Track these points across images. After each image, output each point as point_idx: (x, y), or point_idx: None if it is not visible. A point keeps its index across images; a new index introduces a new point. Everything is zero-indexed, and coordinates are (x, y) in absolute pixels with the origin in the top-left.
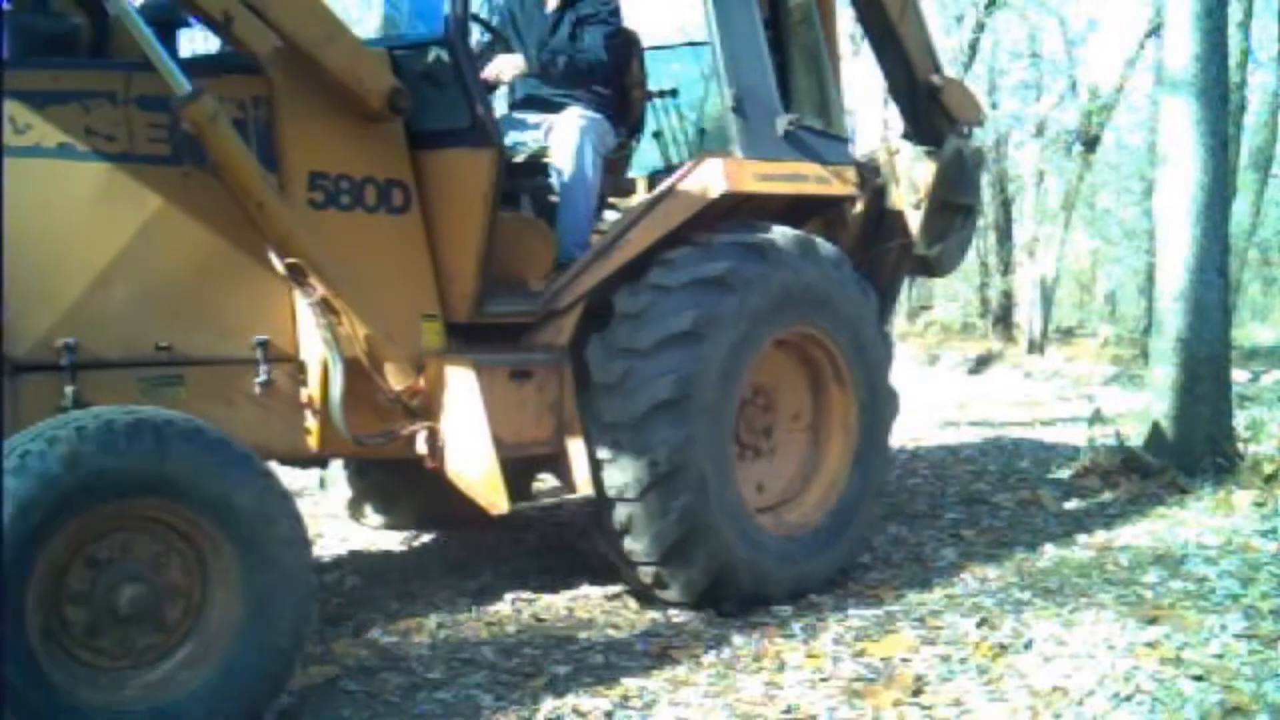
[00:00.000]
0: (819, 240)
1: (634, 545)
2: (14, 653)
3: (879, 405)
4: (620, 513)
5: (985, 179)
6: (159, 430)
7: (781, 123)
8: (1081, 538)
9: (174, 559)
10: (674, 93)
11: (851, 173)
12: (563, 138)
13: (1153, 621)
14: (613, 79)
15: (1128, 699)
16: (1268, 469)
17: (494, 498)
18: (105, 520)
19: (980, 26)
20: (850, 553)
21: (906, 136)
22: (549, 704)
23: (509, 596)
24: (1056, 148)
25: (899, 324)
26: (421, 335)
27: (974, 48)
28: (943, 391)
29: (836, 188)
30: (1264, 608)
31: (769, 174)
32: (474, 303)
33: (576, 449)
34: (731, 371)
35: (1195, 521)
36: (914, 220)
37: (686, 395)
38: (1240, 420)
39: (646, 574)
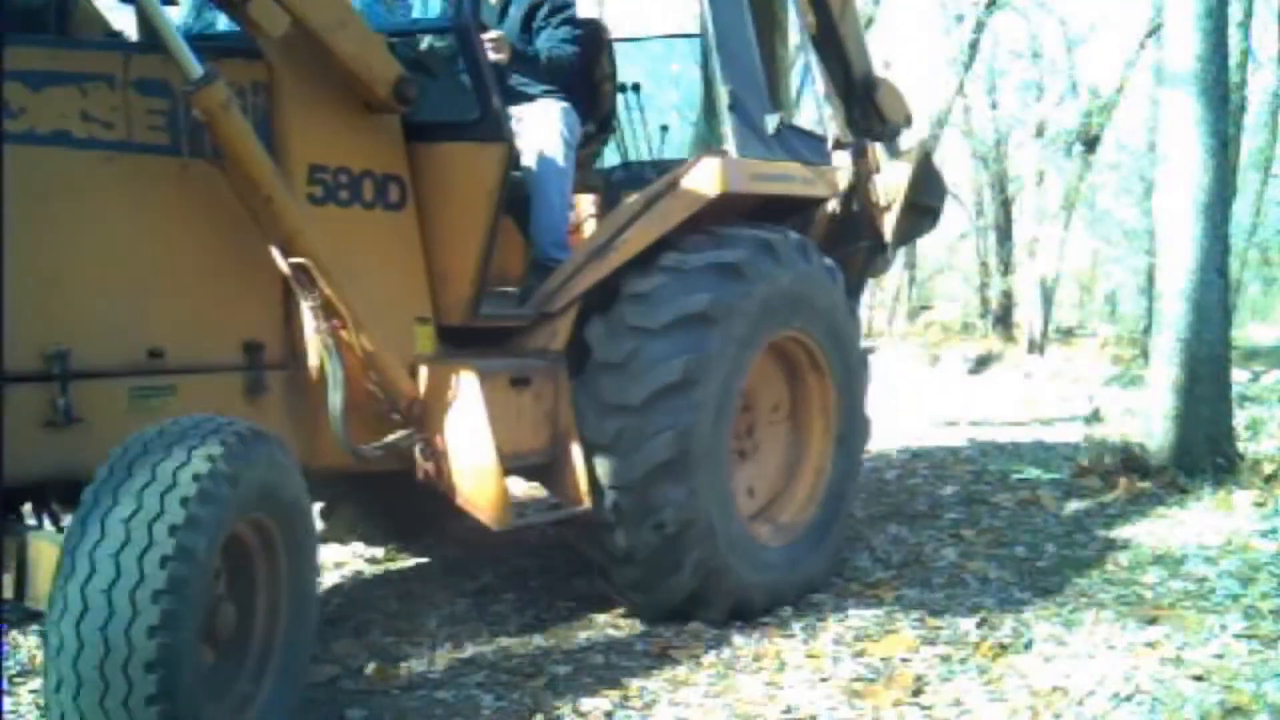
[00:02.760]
0: (809, 241)
1: (625, 541)
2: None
3: (854, 383)
4: (614, 503)
5: (986, 179)
6: (263, 438)
7: (772, 121)
8: (1081, 538)
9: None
10: (636, 88)
11: (831, 173)
12: (536, 131)
13: (1153, 621)
14: (582, 71)
15: (1128, 699)
16: (1268, 469)
17: (497, 512)
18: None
19: (980, 26)
20: (842, 536)
21: (837, 142)
22: (549, 704)
23: (509, 596)
24: (1056, 148)
25: (899, 324)
26: (414, 339)
27: (974, 48)
28: (943, 391)
29: (820, 188)
30: (1264, 608)
31: (763, 174)
32: (469, 306)
33: (572, 459)
34: (738, 367)
35: (1195, 521)
36: (885, 221)
37: (696, 381)
38: (1240, 420)
39: (633, 574)
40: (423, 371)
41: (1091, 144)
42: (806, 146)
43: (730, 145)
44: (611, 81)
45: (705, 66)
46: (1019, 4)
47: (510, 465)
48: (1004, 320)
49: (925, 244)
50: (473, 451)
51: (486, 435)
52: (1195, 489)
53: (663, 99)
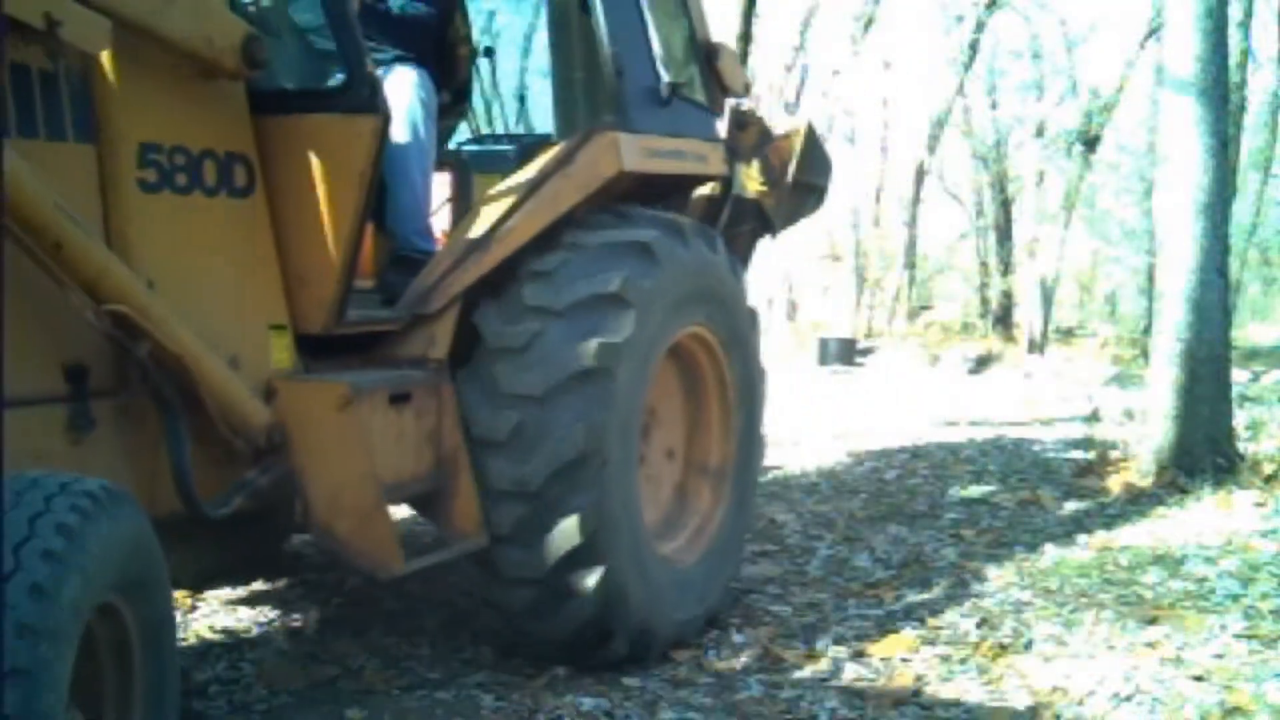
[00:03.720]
0: (715, 232)
1: (521, 556)
2: None
3: (754, 397)
4: (509, 512)
5: (986, 179)
6: (120, 501)
7: (663, 90)
8: (1081, 538)
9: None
10: (489, 53)
11: (720, 150)
12: (391, 100)
13: (1153, 621)
14: (435, 33)
15: (1128, 699)
16: (1268, 469)
17: (384, 557)
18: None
19: (980, 26)
20: (739, 565)
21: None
22: (549, 704)
23: None
24: (1056, 148)
25: (899, 324)
26: (269, 352)
27: (974, 48)
28: (943, 391)
29: (714, 166)
30: (1264, 608)
31: (658, 150)
32: (333, 310)
33: (462, 485)
34: (649, 361)
35: (1195, 521)
36: (769, 201)
37: (608, 370)
38: (1240, 420)
39: (527, 597)
40: (282, 393)
41: (1091, 144)
42: (696, 119)
43: (619, 117)
44: (468, 44)
45: (562, 28)
46: (1019, 4)
47: (391, 500)
48: (1004, 320)
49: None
50: (350, 487)
51: (366, 466)
52: (1195, 489)
53: (515, 65)
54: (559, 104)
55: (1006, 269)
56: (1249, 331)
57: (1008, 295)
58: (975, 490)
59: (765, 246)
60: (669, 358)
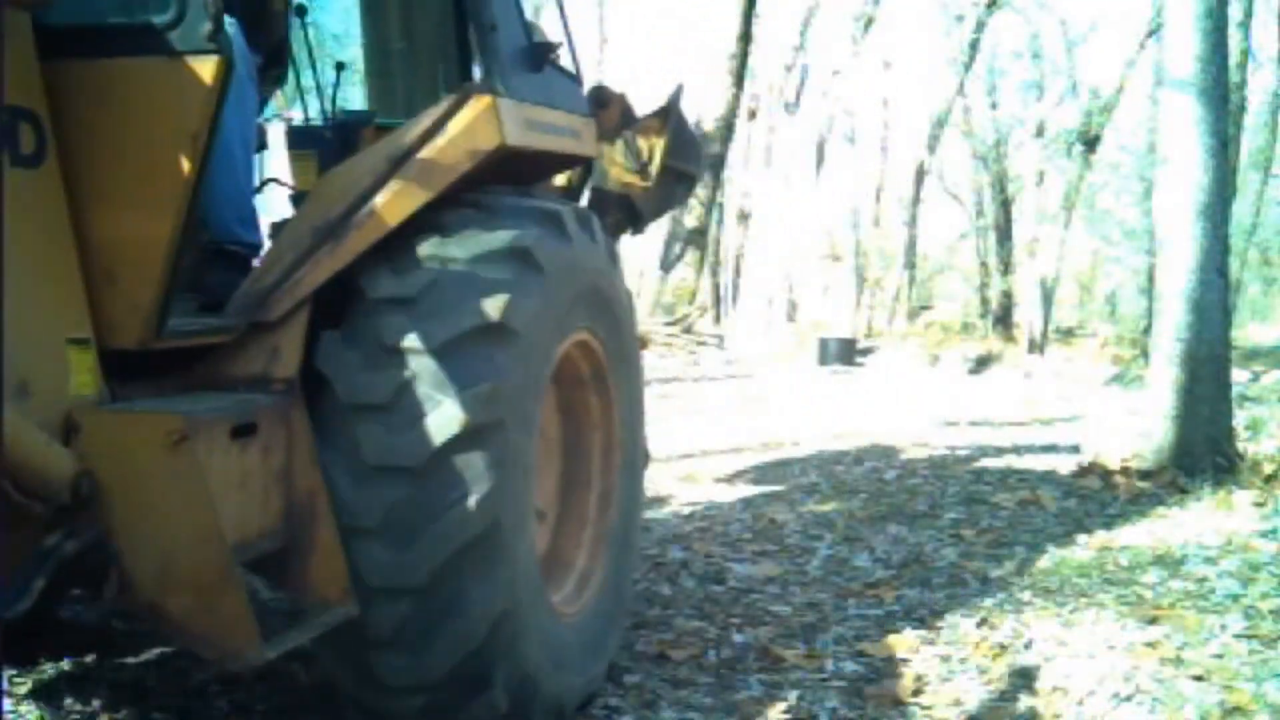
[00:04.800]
0: (594, 216)
1: (410, 661)
2: None
3: (636, 405)
4: (392, 613)
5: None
6: None
7: (536, 51)
8: (1081, 538)
9: None
10: (301, 11)
11: (592, 127)
12: None
13: (1153, 621)
14: None
15: (1128, 699)
16: (1268, 469)
17: (238, 640)
18: None
19: (980, 26)
20: (631, 603)
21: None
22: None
23: None
24: (1056, 148)
25: (899, 324)
26: (68, 375)
27: (974, 47)
28: (943, 391)
29: (586, 146)
30: (1264, 608)
31: (537, 123)
32: (152, 317)
33: (322, 537)
34: (539, 391)
35: (1195, 521)
36: (636, 190)
37: (500, 422)
38: (1240, 420)
39: (419, 703)
40: (89, 429)
41: (1091, 144)
42: (566, 89)
43: (493, 81)
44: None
45: None
46: (1019, 4)
47: (239, 558)
48: (1004, 320)
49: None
50: (187, 551)
51: (207, 522)
52: (1195, 489)
53: (330, 27)
54: (373, 78)
55: (1006, 269)
56: (1249, 331)
57: (1008, 295)
58: (975, 490)
59: (762, 248)
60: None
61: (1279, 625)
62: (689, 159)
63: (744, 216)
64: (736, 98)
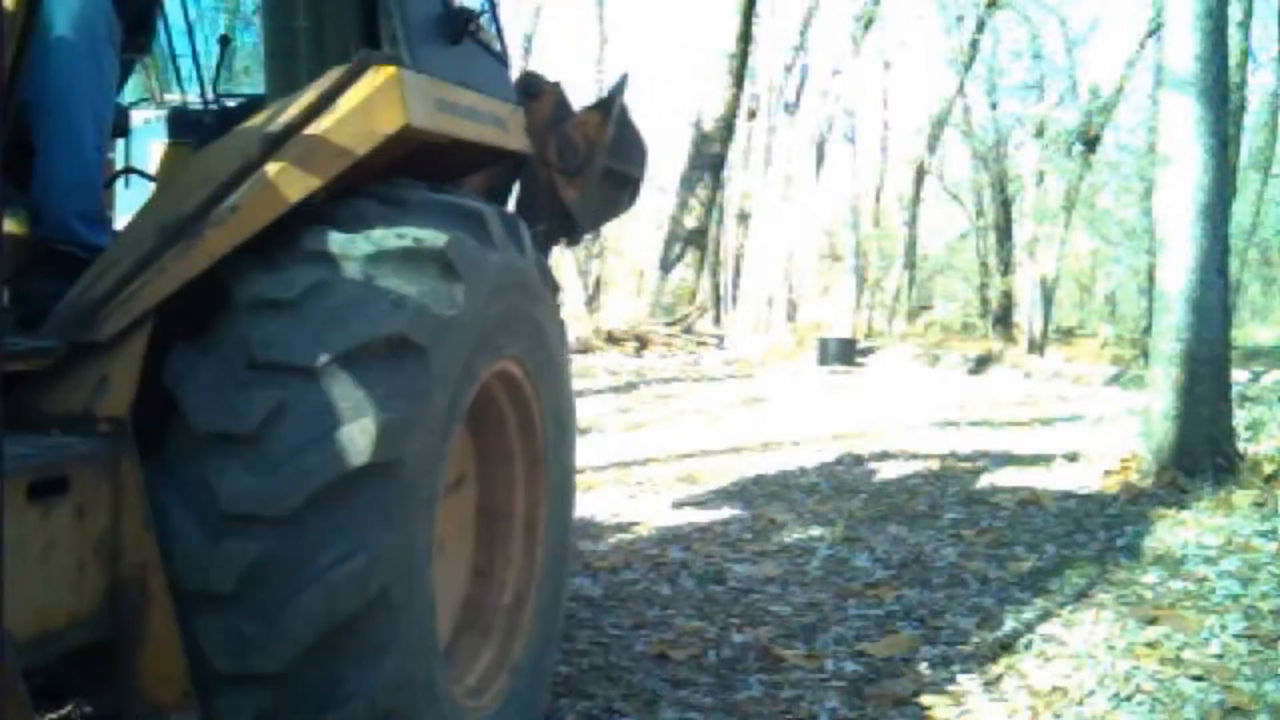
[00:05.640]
0: (522, 223)
1: None
2: None
3: (566, 444)
4: (245, 704)
5: (986, 179)
6: None
7: (455, 21)
8: (1081, 538)
9: None
10: None
11: (520, 117)
12: (55, 22)
13: (1153, 621)
14: None
15: (1128, 699)
16: (1268, 469)
17: None
18: None
19: (981, 26)
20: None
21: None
22: (549, 704)
23: None
24: (1056, 148)
25: (899, 324)
26: None
27: (974, 47)
28: (943, 391)
29: (513, 137)
30: (1264, 608)
31: (452, 104)
32: None
33: (154, 628)
34: (447, 426)
35: (1195, 521)
36: (572, 194)
37: (397, 462)
38: (1240, 420)
39: None
40: None
41: (1091, 144)
42: (490, 70)
43: (398, 50)
44: None
45: None
46: (1019, 3)
47: (33, 657)
48: (1004, 320)
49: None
50: None
51: None
52: (1195, 489)
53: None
54: (273, 59)
55: (1006, 269)
56: (1249, 331)
57: (1008, 295)
58: (975, 490)
59: (762, 248)
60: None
61: (1279, 625)
62: (633, 160)
63: (744, 216)
64: (736, 98)
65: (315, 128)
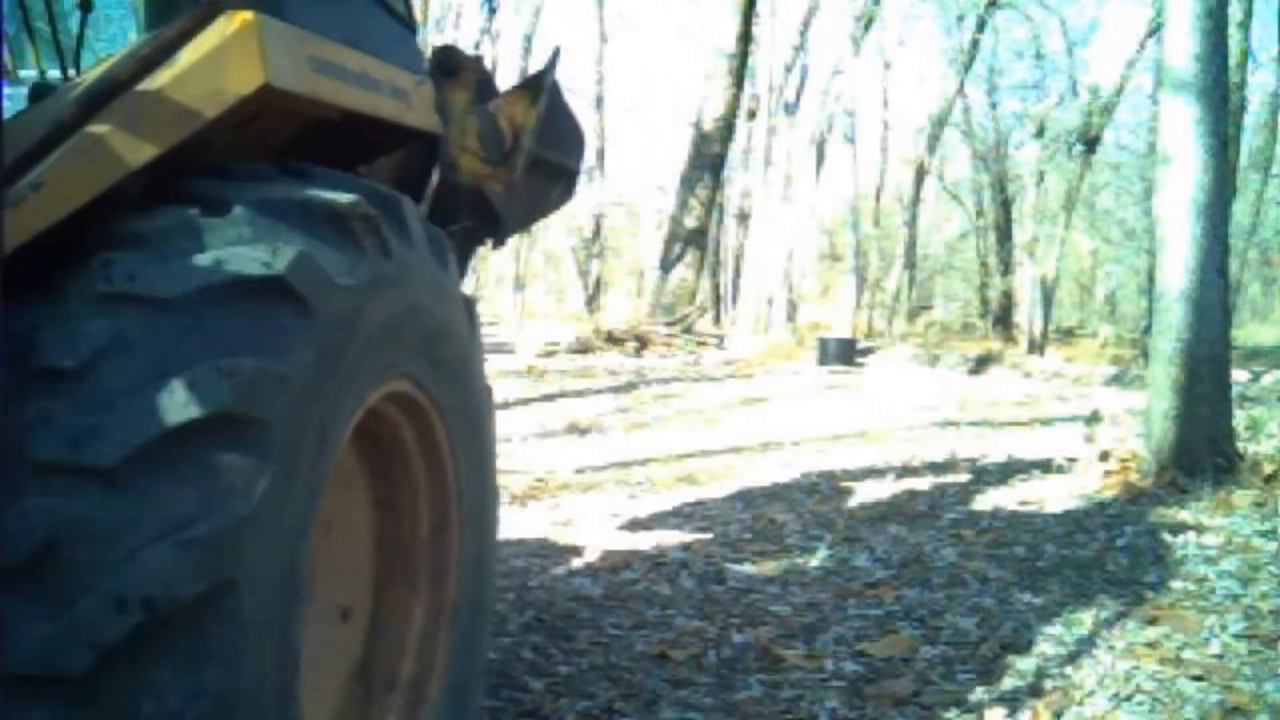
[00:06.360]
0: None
1: None
2: None
3: (484, 473)
4: (48, 708)
5: (986, 179)
6: None
7: None
8: (1081, 538)
9: None
10: None
11: (429, 91)
12: None
13: (1153, 621)
14: None
15: (1128, 699)
16: (1268, 469)
17: None
18: None
19: (981, 25)
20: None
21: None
22: (549, 704)
23: (509, 597)
24: (1056, 148)
25: (899, 324)
26: None
27: (975, 46)
28: (943, 392)
29: (417, 114)
30: (1264, 608)
31: (333, 65)
32: None
33: None
34: (336, 401)
35: (1195, 521)
36: (495, 186)
37: (261, 419)
38: (1240, 420)
39: None
40: None
41: (1091, 144)
42: (390, 34)
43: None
44: None
45: None
46: (1020, 3)
47: None
48: (1004, 320)
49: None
50: None
51: None
52: (1195, 489)
53: None
54: (152, 23)
55: (1006, 269)
56: (1249, 331)
57: (1008, 295)
58: (975, 490)
59: (762, 248)
60: (352, 442)
61: (1279, 625)
62: (567, 149)
63: (744, 216)
64: (736, 98)
65: (148, 84)
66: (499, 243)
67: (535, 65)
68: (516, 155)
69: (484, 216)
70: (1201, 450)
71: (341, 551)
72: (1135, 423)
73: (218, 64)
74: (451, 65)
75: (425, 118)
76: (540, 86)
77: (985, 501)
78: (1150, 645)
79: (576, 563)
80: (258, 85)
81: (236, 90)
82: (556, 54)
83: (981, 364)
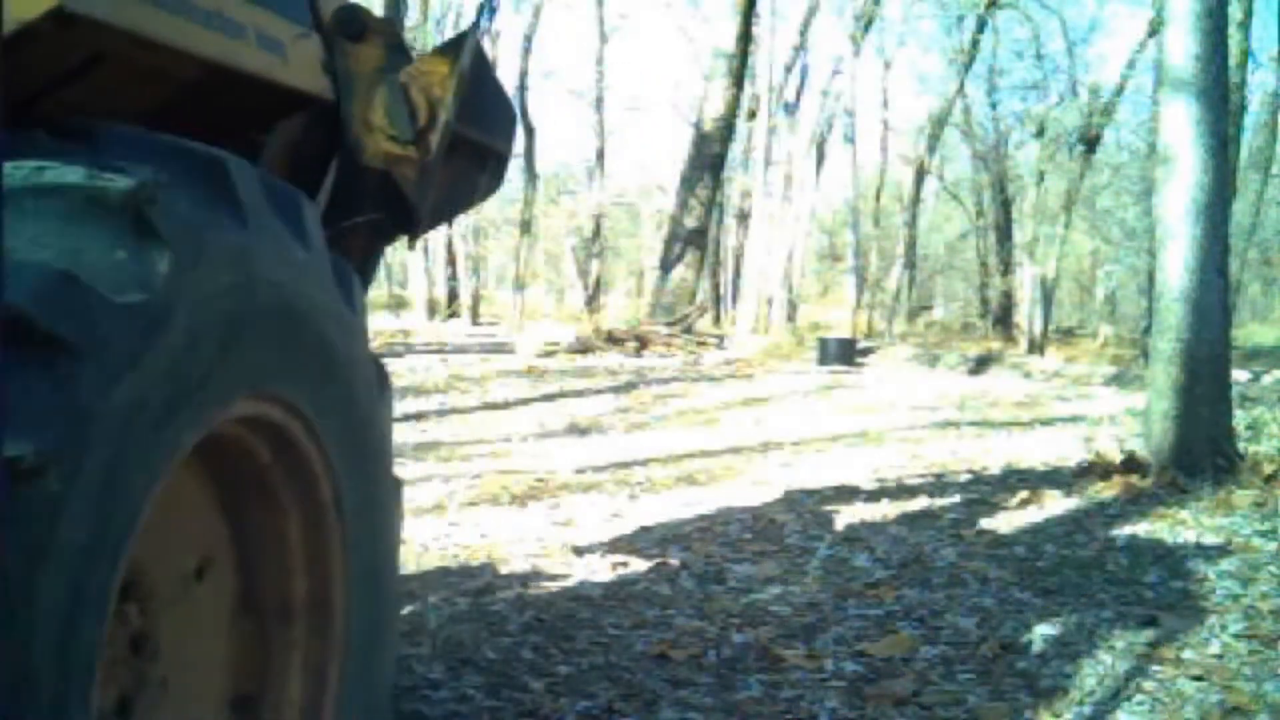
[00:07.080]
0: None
1: None
2: None
3: (379, 518)
4: None
5: (986, 179)
6: None
7: None
8: (1081, 538)
9: None
10: None
11: (315, 48)
12: None
13: (1153, 622)
14: None
15: (1128, 699)
16: (1268, 469)
17: None
18: None
19: (981, 25)
20: None
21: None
22: (549, 704)
23: (509, 596)
24: (1057, 147)
25: (899, 324)
26: None
27: (975, 46)
28: (943, 391)
29: (295, 71)
30: (1264, 608)
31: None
32: None
33: None
34: (122, 539)
35: (1195, 521)
36: (407, 171)
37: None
38: (1240, 420)
39: None
40: None
41: (1091, 144)
42: None
43: None
44: None
45: None
46: (1021, 2)
47: None
48: (1004, 320)
49: (925, 244)
50: None
51: None
52: (1195, 489)
53: None
54: None
55: (1006, 269)
56: (1249, 331)
57: (1008, 295)
58: (975, 490)
59: (762, 248)
60: (200, 458)
61: (1279, 625)
62: (493, 128)
63: (744, 216)
64: (736, 98)
65: None
66: (412, 236)
67: (535, 65)
68: (432, 133)
69: (394, 206)
70: (1201, 450)
71: (203, 573)
72: (1135, 423)
73: None
74: (356, 27)
75: (307, 78)
76: (459, 52)
77: (985, 501)
78: (1150, 645)
79: (576, 563)
80: (48, 8)
81: (19, 15)
82: (481, 13)
83: (981, 364)
